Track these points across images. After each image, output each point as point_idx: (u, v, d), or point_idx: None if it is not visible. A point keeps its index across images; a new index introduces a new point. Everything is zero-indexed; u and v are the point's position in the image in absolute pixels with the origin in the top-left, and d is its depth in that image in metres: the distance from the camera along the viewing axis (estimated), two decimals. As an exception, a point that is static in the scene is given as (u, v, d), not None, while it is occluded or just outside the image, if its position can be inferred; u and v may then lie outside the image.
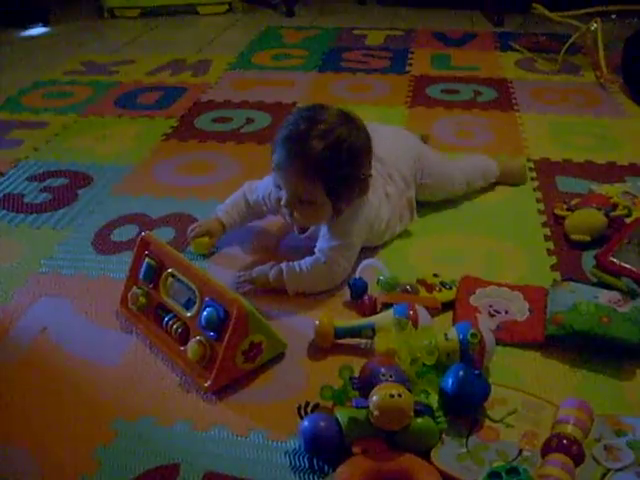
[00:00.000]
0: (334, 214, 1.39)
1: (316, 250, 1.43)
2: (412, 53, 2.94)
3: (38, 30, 3.48)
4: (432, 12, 3.57)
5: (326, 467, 1.03)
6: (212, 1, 3.63)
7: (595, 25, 2.60)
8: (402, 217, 1.59)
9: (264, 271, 1.42)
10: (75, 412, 1.15)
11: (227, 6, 3.66)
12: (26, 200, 1.82)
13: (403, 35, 3.21)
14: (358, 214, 1.42)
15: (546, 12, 2.87)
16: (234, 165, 1.97)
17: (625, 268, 1.35)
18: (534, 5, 2.92)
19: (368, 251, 1.51)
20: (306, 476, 1.03)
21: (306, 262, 1.41)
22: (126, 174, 1.94)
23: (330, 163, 1.30)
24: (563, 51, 2.66)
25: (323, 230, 1.44)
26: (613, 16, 2.75)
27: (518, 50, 2.92)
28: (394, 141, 1.65)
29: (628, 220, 1.55)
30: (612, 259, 1.38)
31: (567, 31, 2.80)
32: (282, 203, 1.36)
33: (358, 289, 1.37)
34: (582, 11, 2.78)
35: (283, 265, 1.41)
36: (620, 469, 0.98)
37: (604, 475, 0.97)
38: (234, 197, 1.59)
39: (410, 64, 2.80)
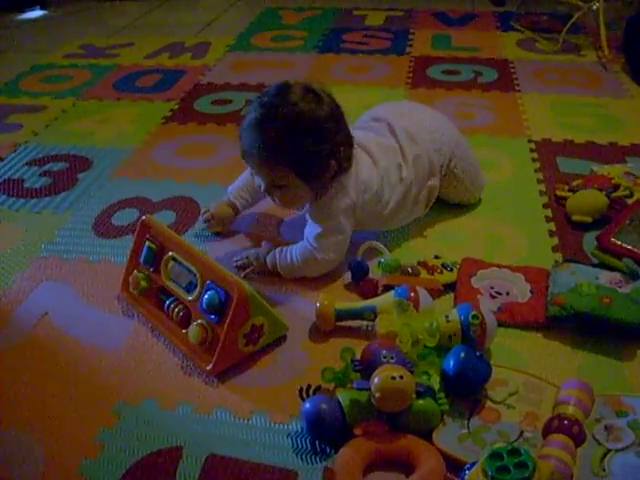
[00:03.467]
0: (316, 193, 1.36)
1: (304, 236, 1.41)
2: (412, 34, 2.92)
3: (36, 13, 3.46)
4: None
5: (328, 449, 1.04)
6: (211, -18, 3.61)
7: (597, 4, 2.58)
8: (415, 207, 1.52)
9: (260, 254, 1.42)
10: (78, 396, 1.16)
11: (226, -13, 3.63)
12: (26, 185, 1.82)
13: (403, 15, 3.18)
14: (341, 194, 1.37)
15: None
16: (234, 147, 1.93)
17: (626, 249, 1.35)
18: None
19: (369, 233, 1.51)
20: (308, 458, 1.03)
21: (296, 251, 1.39)
22: (126, 157, 1.94)
23: (289, 145, 1.27)
24: (564, 31, 2.64)
25: (307, 213, 1.41)
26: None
27: (519, 30, 2.90)
28: (433, 121, 1.58)
29: (629, 201, 1.54)
30: (613, 240, 1.38)
31: (568, 10, 2.78)
32: (261, 190, 1.36)
33: (359, 271, 1.37)
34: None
35: (277, 253, 1.41)
36: (621, 449, 0.98)
37: (605, 455, 0.97)
38: (243, 177, 1.58)
39: (410, 45, 2.79)
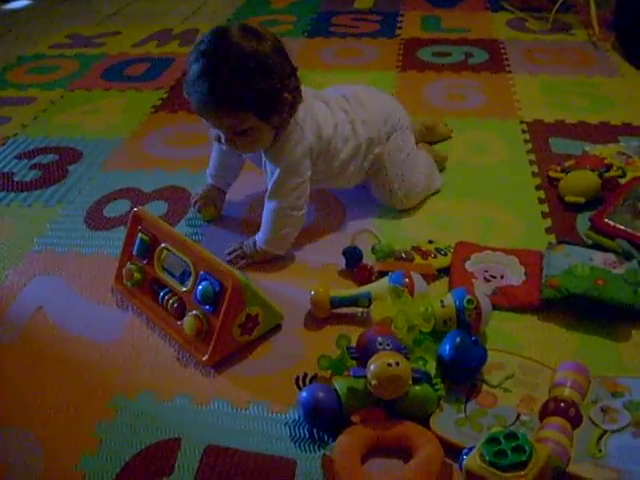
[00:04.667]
0: (276, 131, 1.35)
1: (266, 196, 1.41)
2: (402, 16, 2.90)
3: (21, 3, 3.42)
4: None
5: (326, 437, 1.04)
6: (197, -32, 3.56)
7: (586, -18, 2.57)
8: (360, 172, 1.52)
9: (250, 245, 1.42)
10: (74, 390, 1.16)
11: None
12: (16, 178, 1.80)
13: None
14: (296, 134, 1.36)
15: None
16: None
17: (620, 229, 1.35)
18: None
19: (360, 219, 1.51)
20: (306, 446, 1.03)
21: (265, 217, 1.40)
22: (116, 148, 1.93)
23: (243, 86, 1.24)
24: (554, 10, 2.63)
25: (265, 160, 1.40)
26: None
27: (509, 10, 2.88)
28: (387, 101, 1.60)
29: (622, 181, 1.54)
30: (607, 221, 1.38)
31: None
32: (222, 142, 1.34)
33: (353, 258, 1.37)
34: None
35: (257, 239, 1.41)
36: (617, 430, 0.98)
37: (601, 436, 0.98)
38: (213, 153, 1.57)
39: (400, 27, 2.77)
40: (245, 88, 1.24)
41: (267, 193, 1.40)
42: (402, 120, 1.56)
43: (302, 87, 1.38)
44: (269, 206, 1.40)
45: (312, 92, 1.45)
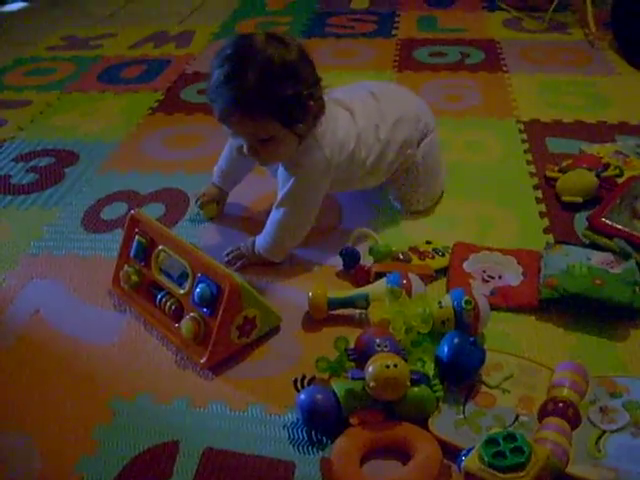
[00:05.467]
0: (299, 140, 1.32)
1: (275, 203, 1.38)
2: (398, 16, 2.90)
3: (17, 5, 3.42)
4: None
5: (324, 439, 1.04)
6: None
7: (583, -19, 2.57)
8: (389, 169, 1.50)
9: (248, 247, 1.42)
10: (72, 393, 1.15)
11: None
12: (13, 181, 1.80)
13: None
14: (314, 149, 1.33)
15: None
16: (222, 136, 1.93)
17: (617, 229, 1.35)
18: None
19: (358, 220, 1.51)
20: (305, 448, 1.03)
21: (271, 221, 1.38)
22: (113, 151, 1.92)
23: (270, 91, 1.22)
24: (551, 9, 2.63)
25: (280, 172, 1.38)
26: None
27: (505, 9, 2.88)
28: (418, 103, 1.57)
29: (619, 180, 1.54)
30: (604, 220, 1.37)
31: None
32: (245, 151, 1.31)
33: (350, 259, 1.37)
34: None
35: (257, 243, 1.40)
36: (616, 430, 0.98)
37: (600, 437, 0.98)
38: (223, 154, 1.56)
39: (396, 27, 2.77)
40: (271, 94, 1.22)
41: (277, 201, 1.37)
42: (431, 123, 1.54)
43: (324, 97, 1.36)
44: (276, 215, 1.38)
45: (332, 99, 1.40)
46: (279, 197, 1.37)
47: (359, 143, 1.40)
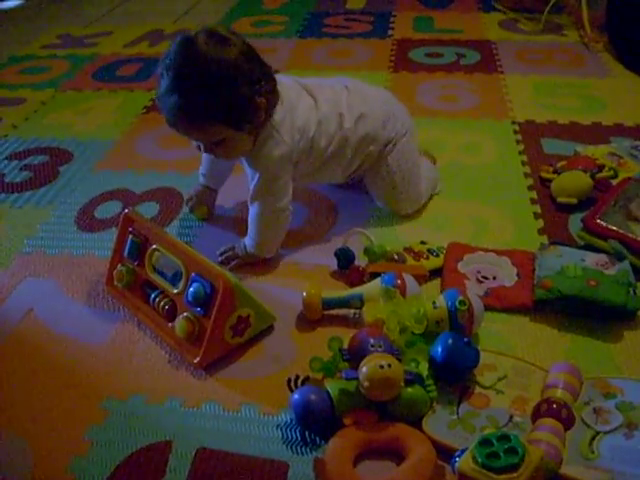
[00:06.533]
0: (255, 135, 1.32)
1: (248, 202, 1.40)
2: (394, 16, 2.90)
3: (12, 3, 3.41)
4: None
5: (318, 439, 1.04)
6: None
7: (578, -17, 2.57)
8: (348, 168, 1.49)
9: (242, 247, 1.42)
10: (65, 393, 1.15)
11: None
12: (7, 180, 1.80)
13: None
14: (274, 141, 1.32)
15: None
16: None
17: (612, 230, 1.35)
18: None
19: (353, 220, 1.50)
20: (299, 449, 1.03)
21: (251, 219, 1.39)
22: (107, 149, 1.92)
23: (211, 99, 1.21)
24: (546, 10, 2.63)
25: (245, 165, 1.38)
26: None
27: (501, 11, 2.89)
28: (391, 102, 1.55)
29: (614, 182, 1.54)
30: (599, 221, 1.37)
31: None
32: (201, 150, 1.33)
33: (345, 259, 1.37)
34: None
35: (246, 242, 1.41)
36: (609, 431, 0.98)
37: (594, 438, 0.98)
38: (204, 155, 1.55)
39: (392, 28, 2.77)
40: (213, 101, 1.22)
41: (249, 196, 1.38)
42: (406, 125, 1.52)
43: (285, 82, 1.36)
44: (252, 210, 1.39)
45: (299, 86, 1.41)
46: (250, 192, 1.38)
47: (319, 130, 1.39)
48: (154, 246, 1.28)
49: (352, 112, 1.43)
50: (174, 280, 1.24)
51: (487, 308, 1.21)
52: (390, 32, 2.72)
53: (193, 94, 1.21)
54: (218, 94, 1.22)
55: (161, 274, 1.27)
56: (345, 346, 1.11)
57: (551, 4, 2.61)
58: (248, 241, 1.41)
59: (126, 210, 1.35)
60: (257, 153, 1.34)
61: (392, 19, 2.87)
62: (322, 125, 1.39)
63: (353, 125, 1.43)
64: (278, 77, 1.35)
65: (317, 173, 1.47)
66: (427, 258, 1.37)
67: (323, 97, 1.42)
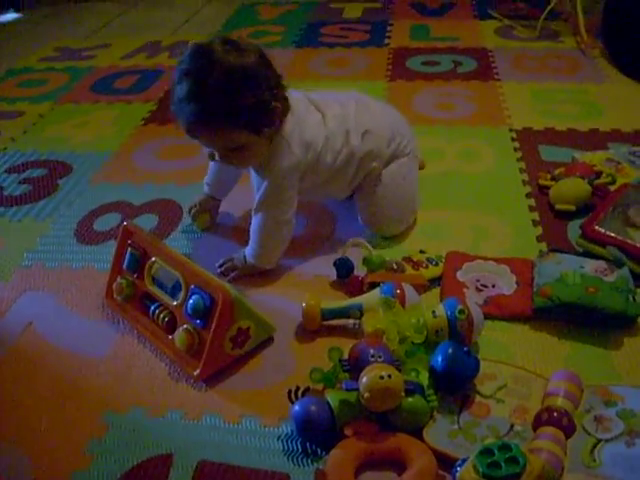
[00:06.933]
0: (270, 141, 1.32)
1: (252, 211, 1.39)
2: (391, 25, 2.91)
3: (10, 16, 3.42)
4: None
5: (319, 450, 1.04)
6: (186, -20, 3.57)
7: (574, -11, 2.58)
8: (350, 185, 1.49)
9: (241, 258, 1.42)
10: (66, 406, 1.15)
11: (201, -16, 3.60)
12: (6, 193, 1.80)
13: (381, 7, 3.16)
14: (284, 152, 1.33)
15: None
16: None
17: (610, 237, 1.35)
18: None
19: (352, 230, 1.51)
20: (300, 460, 1.03)
21: (253, 228, 1.39)
22: (106, 161, 1.92)
23: (233, 103, 1.21)
24: (542, 17, 2.64)
25: (254, 176, 1.39)
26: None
27: (497, 18, 2.89)
28: (398, 120, 1.55)
29: (612, 188, 1.54)
30: (597, 228, 1.38)
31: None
32: (217, 159, 1.32)
33: (344, 269, 1.37)
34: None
35: (246, 252, 1.41)
36: (611, 439, 0.98)
37: (595, 446, 0.98)
38: (211, 164, 1.56)
39: (389, 36, 2.77)
40: (234, 106, 1.22)
41: (254, 206, 1.38)
42: (408, 147, 1.51)
43: (295, 95, 1.37)
44: (256, 220, 1.39)
45: (306, 100, 1.41)
46: (256, 201, 1.38)
47: (326, 146, 1.39)
48: (153, 258, 1.28)
49: (358, 128, 1.43)
50: (174, 291, 1.24)
51: (487, 316, 1.21)
52: (387, 41, 2.73)
53: (215, 99, 1.21)
54: (241, 99, 1.22)
55: (160, 286, 1.27)
56: (345, 357, 1.11)
57: (547, 11, 2.62)
58: (249, 251, 1.41)
59: (125, 222, 1.35)
60: (267, 162, 1.34)
61: (389, 28, 2.87)
62: (329, 141, 1.40)
63: (359, 141, 1.43)
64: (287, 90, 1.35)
65: (320, 188, 1.47)
66: (426, 267, 1.37)
67: (331, 113, 1.42)
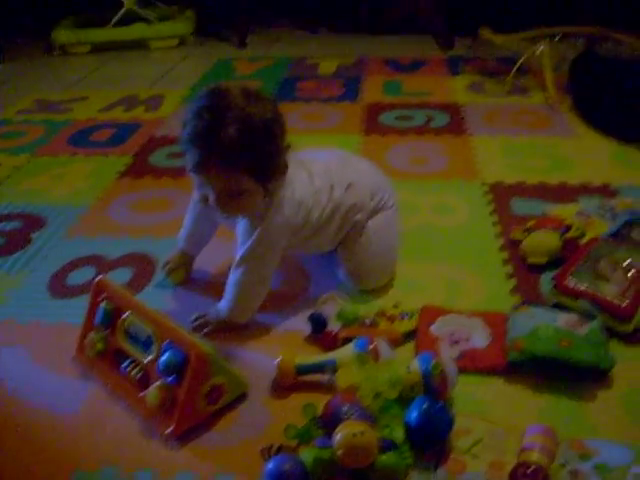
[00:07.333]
0: (265, 197, 1.33)
1: (233, 264, 1.39)
2: (364, 81, 2.96)
3: (-12, 69, 3.44)
4: (383, 39, 3.60)
5: (293, 510, 1.02)
6: (163, 35, 3.62)
7: (541, 47, 2.65)
8: (335, 238, 1.50)
9: (214, 313, 1.41)
10: (34, 466, 1.12)
11: (178, 40, 3.65)
12: (-22, 246, 1.78)
13: (355, 63, 3.23)
14: (275, 210, 1.34)
15: (492, 36, 2.93)
16: (189, 201, 1.95)
17: (581, 290, 1.37)
18: (481, 29, 2.98)
19: (326, 284, 1.51)
20: (273, 520, 1.01)
21: (228, 289, 1.39)
22: (81, 215, 1.92)
23: (249, 147, 1.22)
24: (512, 73, 2.71)
25: (239, 229, 1.38)
26: (557, 38, 2.81)
27: (468, 74, 2.96)
28: (379, 176, 1.58)
29: (582, 241, 1.56)
30: (568, 282, 1.39)
31: (517, 52, 2.83)
32: (210, 202, 1.29)
33: (318, 323, 1.36)
34: (527, 34, 2.85)
35: (220, 307, 1.41)
36: (586, 494, 0.98)
37: (571, 501, 0.98)
38: (186, 218, 1.57)
39: (363, 91, 2.82)
40: (250, 150, 1.22)
41: (236, 260, 1.38)
42: (392, 199, 1.54)
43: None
44: (236, 273, 1.38)
45: (296, 160, 1.41)
46: (238, 256, 1.37)
47: (315, 202, 1.41)
48: (126, 314, 1.27)
49: (342, 182, 1.45)
50: (146, 347, 1.22)
51: (461, 370, 1.21)
52: (361, 95, 2.78)
53: (233, 140, 1.20)
54: (255, 145, 1.23)
55: (133, 341, 1.26)
56: (319, 413, 1.10)
57: (516, 67, 2.69)
58: (223, 305, 1.40)
59: (98, 277, 1.34)
60: (261, 217, 1.34)
61: (362, 83, 2.93)
62: (316, 197, 1.42)
63: (343, 194, 1.45)
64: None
65: (306, 242, 1.48)
66: (400, 321, 1.38)
67: (316, 170, 1.44)
